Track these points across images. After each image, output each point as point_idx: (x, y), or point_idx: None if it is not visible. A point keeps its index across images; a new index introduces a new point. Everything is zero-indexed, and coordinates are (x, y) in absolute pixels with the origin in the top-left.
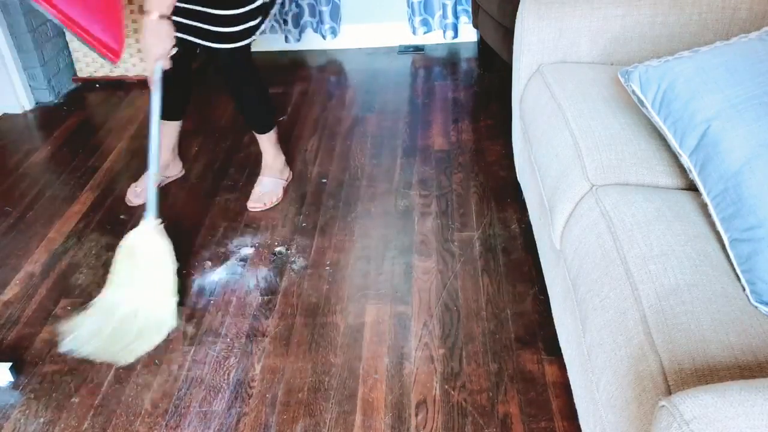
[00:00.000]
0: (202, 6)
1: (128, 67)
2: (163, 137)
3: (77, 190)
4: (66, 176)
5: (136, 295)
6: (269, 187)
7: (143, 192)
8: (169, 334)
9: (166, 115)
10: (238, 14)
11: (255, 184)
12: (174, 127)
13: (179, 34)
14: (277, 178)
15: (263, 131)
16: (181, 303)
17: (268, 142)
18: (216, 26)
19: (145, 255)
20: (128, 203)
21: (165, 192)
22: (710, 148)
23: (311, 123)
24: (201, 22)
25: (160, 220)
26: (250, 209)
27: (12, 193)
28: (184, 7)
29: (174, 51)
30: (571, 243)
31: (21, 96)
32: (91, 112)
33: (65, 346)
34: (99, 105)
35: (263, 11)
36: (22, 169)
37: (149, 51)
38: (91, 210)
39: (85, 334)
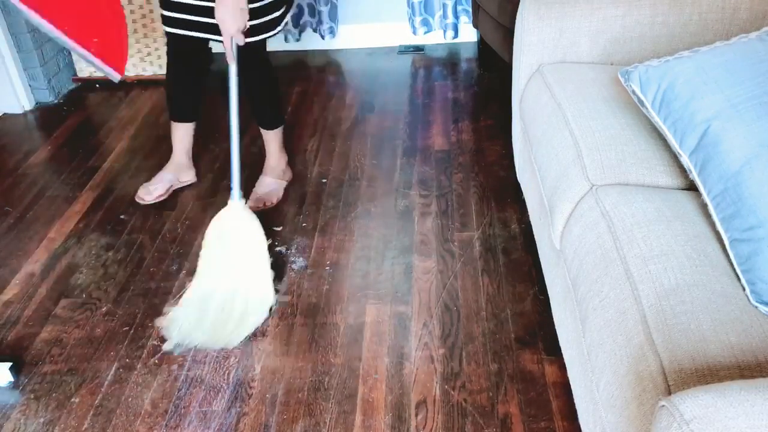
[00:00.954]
0: None
1: (128, 66)
2: (177, 140)
3: (77, 190)
4: (66, 176)
5: (231, 279)
6: (270, 187)
7: (156, 190)
8: (270, 311)
9: (180, 116)
10: (254, 8)
11: (256, 184)
12: (188, 128)
13: (195, 33)
14: (279, 178)
15: (272, 127)
16: (276, 278)
17: (275, 141)
18: None
19: (235, 235)
20: (139, 201)
21: (172, 195)
22: (710, 148)
23: (311, 123)
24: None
25: (245, 200)
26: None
27: (12, 193)
28: (201, 5)
29: (247, 26)
30: (571, 243)
31: (21, 96)
32: (91, 112)
33: (171, 342)
34: (99, 105)
35: (280, 5)
36: (22, 169)
37: (223, 27)
38: (91, 210)
39: (188, 327)
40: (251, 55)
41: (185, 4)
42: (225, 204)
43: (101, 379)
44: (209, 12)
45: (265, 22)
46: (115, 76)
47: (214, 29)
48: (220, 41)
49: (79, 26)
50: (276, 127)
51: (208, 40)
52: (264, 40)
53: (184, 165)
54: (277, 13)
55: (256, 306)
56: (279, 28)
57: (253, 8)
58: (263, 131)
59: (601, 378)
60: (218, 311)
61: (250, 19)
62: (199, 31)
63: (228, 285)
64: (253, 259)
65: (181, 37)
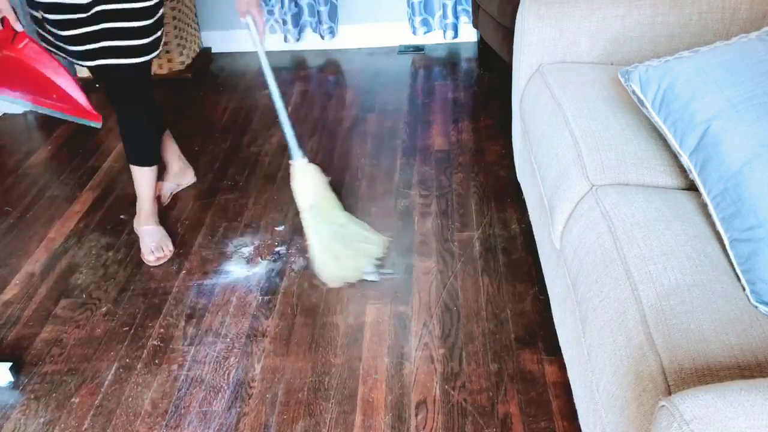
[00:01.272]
0: (123, 21)
1: None
2: (162, 150)
3: (77, 190)
4: (66, 176)
5: (335, 222)
6: (158, 235)
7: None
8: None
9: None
10: (155, 22)
11: (141, 240)
12: (166, 137)
13: (106, 61)
14: (159, 225)
15: (148, 163)
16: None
17: (150, 180)
18: (137, 39)
19: (316, 188)
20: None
21: (172, 196)
22: (710, 148)
23: (311, 123)
24: (122, 39)
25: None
26: (150, 264)
27: (12, 193)
28: (101, 30)
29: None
30: (571, 243)
31: None
32: None
33: (371, 274)
34: (99, 105)
35: (162, 23)
36: (22, 169)
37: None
38: (91, 210)
39: (333, 265)
40: (140, 77)
41: (88, 33)
42: (224, 205)
43: (101, 379)
44: (106, 34)
45: (155, 39)
46: (96, 123)
47: (125, 51)
48: (133, 63)
49: (33, 88)
50: (151, 164)
51: (124, 67)
52: (150, 66)
53: (179, 170)
54: (159, 33)
55: (364, 234)
56: (160, 49)
57: (152, 23)
58: (135, 169)
59: (601, 378)
60: (347, 248)
61: (148, 37)
62: (109, 58)
63: (336, 226)
64: (334, 201)
65: (98, 69)
